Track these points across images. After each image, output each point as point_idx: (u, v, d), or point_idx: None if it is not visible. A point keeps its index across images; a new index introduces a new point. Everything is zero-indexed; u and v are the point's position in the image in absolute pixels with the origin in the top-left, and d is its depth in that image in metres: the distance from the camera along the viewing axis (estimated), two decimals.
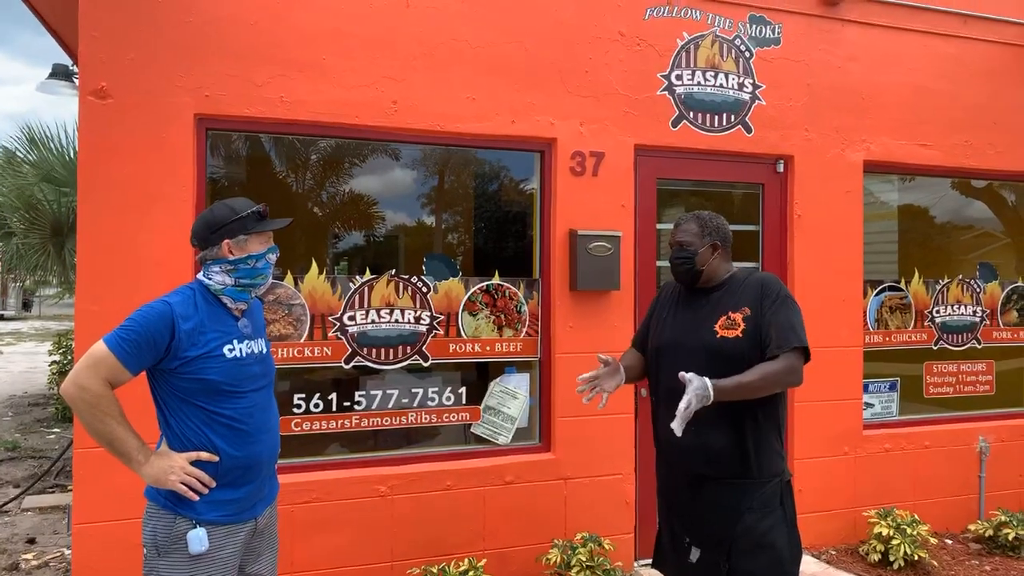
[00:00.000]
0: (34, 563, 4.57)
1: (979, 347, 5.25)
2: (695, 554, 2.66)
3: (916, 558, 4.26)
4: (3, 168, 9.28)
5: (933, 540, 4.43)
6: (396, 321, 3.91)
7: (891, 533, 4.31)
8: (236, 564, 2.33)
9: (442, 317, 3.99)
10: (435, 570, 3.60)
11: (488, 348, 4.08)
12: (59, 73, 7.57)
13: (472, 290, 4.06)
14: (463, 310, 4.04)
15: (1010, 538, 4.57)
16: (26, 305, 28.78)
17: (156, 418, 2.32)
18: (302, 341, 3.74)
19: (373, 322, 3.87)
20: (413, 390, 4.00)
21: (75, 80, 7.48)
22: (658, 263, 4.41)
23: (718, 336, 2.63)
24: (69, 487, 5.57)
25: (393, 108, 3.81)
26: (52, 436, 8.19)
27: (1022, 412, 5.30)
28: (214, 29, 3.52)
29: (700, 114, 4.40)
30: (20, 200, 8.71)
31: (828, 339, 4.48)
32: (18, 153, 9.29)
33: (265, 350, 2.47)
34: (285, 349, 3.69)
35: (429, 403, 4.02)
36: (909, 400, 5.06)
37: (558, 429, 4.08)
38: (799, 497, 2.87)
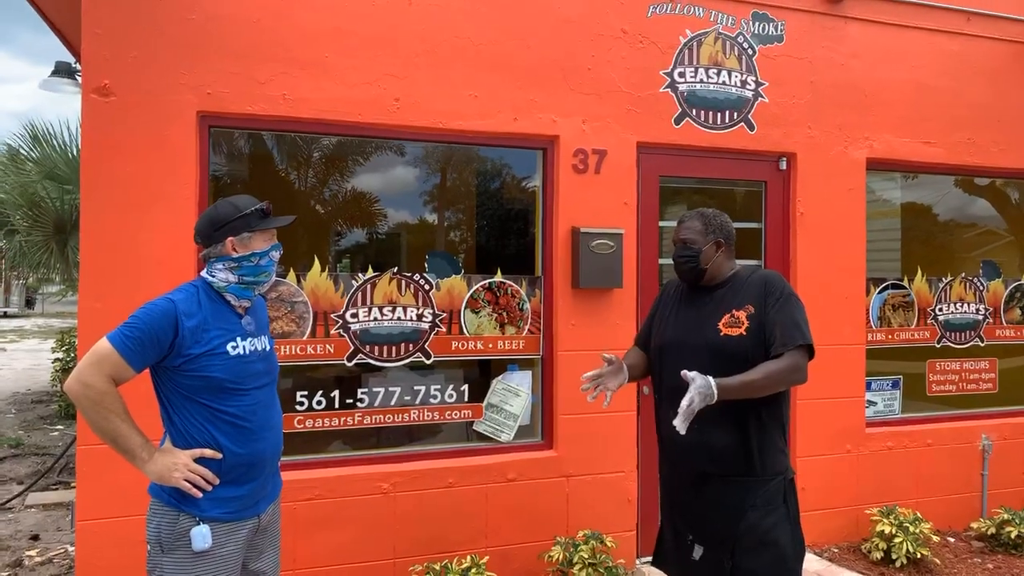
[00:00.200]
0: (38, 560, 4.58)
1: (982, 345, 5.24)
2: (698, 552, 2.66)
3: (918, 556, 4.27)
4: (6, 165, 9.27)
5: (936, 538, 4.42)
6: (398, 319, 3.91)
7: (894, 531, 4.31)
8: (239, 561, 2.33)
9: (444, 315, 4.00)
10: (437, 567, 3.60)
11: (490, 346, 4.09)
12: (62, 70, 7.60)
13: (474, 288, 4.06)
14: (465, 308, 4.04)
15: (1013, 536, 4.57)
16: (29, 302, 28.82)
17: (160, 415, 2.33)
18: (305, 338, 3.75)
19: (375, 320, 3.87)
20: (415, 388, 4.00)
21: (78, 77, 7.49)
22: (661, 261, 4.41)
23: (722, 334, 2.62)
24: (72, 484, 5.57)
25: (395, 106, 3.81)
26: (55, 433, 8.20)
27: None
28: (216, 27, 3.52)
29: (703, 111, 4.39)
30: (23, 197, 8.71)
31: (831, 337, 4.48)
32: (21, 150, 9.28)
33: (268, 347, 2.48)
34: (288, 346, 3.70)
35: (431, 400, 4.03)
36: (912, 398, 5.05)
37: (560, 427, 4.09)
38: (802, 495, 2.87)
